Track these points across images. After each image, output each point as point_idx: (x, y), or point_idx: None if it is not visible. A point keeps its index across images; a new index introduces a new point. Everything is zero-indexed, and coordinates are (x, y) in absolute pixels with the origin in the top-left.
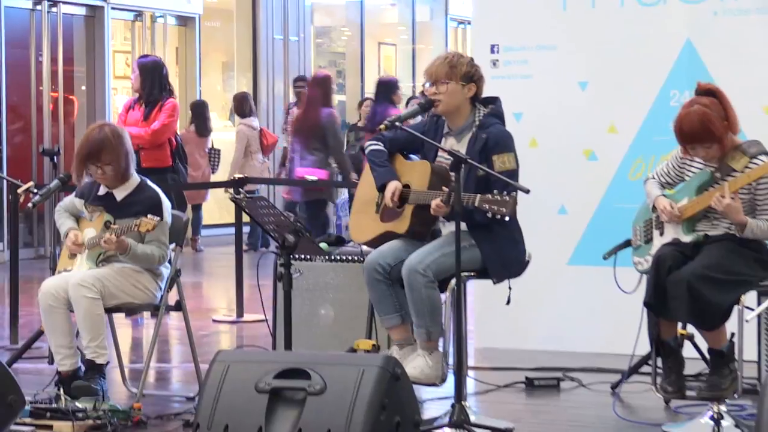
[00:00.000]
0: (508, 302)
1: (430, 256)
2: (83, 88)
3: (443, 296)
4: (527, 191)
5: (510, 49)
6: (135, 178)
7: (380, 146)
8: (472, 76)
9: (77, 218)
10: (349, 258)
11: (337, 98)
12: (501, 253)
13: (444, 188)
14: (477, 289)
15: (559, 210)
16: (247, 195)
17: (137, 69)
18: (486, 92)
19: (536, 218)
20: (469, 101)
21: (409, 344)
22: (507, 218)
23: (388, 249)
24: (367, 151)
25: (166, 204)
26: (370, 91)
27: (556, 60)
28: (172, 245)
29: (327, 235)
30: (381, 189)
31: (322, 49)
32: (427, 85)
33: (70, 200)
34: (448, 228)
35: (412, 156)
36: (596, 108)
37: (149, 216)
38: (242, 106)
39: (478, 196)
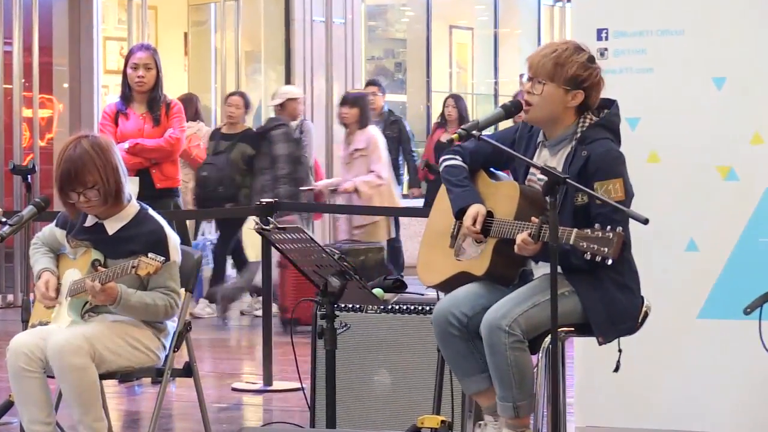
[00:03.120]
0: (617, 369)
1: (517, 307)
2: (65, 85)
3: (534, 359)
4: (645, 221)
5: (623, 35)
6: (132, 206)
7: (458, 160)
8: (582, 81)
9: (58, 255)
10: (412, 308)
11: (394, 98)
12: (608, 303)
13: (533, 219)
14: (578, 350)
15: (688, 246)
16: (279, 226)
17: (148, 59)
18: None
19: (657, 257)
20: (574, 109)
21: None
22: (609, 261)
23: (463, 295)
24: (441, 168)
25: (174, 239)
26: (439, 88)
27: (684, 49)
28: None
29: (382, 278)
30: (458, 215)
31: (376, 34)
32: (525, 78)
33: (50, 231)
34: (541, 269)
35: (499, 174)
36: (736, 112)
37: (150, 255)
38: (187, 110)
39: (575, 231)
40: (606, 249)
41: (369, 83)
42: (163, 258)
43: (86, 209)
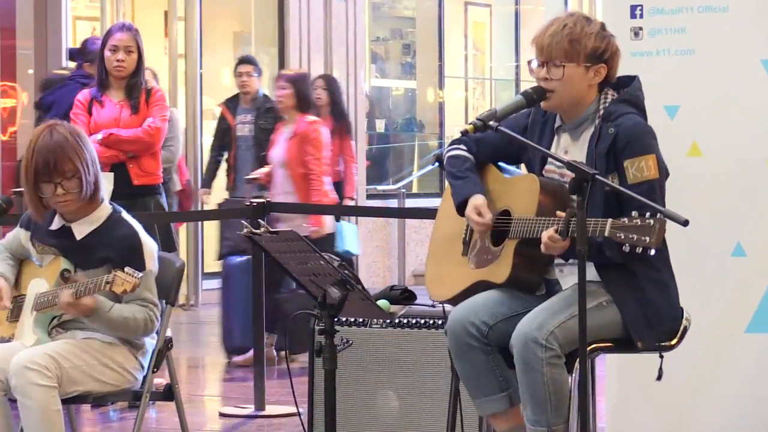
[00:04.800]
0: (660, 377)
1: (553, 318)
2: (30, 72)
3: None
4: (685, 222)
5: (660, 12)
6: (104, 207)
7: (462, 151)
8: (602, 53)
9: (22, 261)
10: (422, 321)
11: (402, 84)
12: (645, 304)
13: (559, 213)
14: (610, 368)
15: (734, 251)
16: (271, 230)
17: (129, 41)
18: (625, 72)
19: (699, 263)
20: (597, 87)
21: None
22: (652, 251)
23: (482, 302)
24: (445, 160)
25: (150, 246)
26: (453, 73)
27: (729, 28)
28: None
29: (388, 288)
30: (461, 209)
31: (382, 12)
32: (535, 63)
33: (14, 236)
34: (570, 278)
35: (511, 169)
36: None
37: (127, 270)
38: None
39: (609, 221)
40: (648, 238)
41: (242, 61)
42: (141, 274)
43: (61, 205)
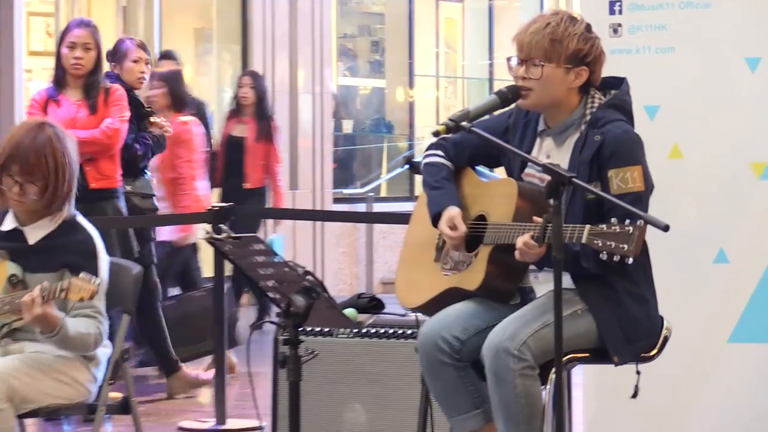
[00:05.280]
0: (636, 394)
1: (526, 327)
2: None
3: (544, 390)
4: (665, 228)
5: (639, 8)
6: (66, 212)
7: (439, 157)
8: (584, 56)
9: None
10: (391, 331)
11: (370, 83)
12: (623, 318)
13: (536, 219)
14: (587, 379)
15: (717, 257)
16: (233, 235)
17: (88, 37)
18: (605, 72)
19: (680, 271)
20: (578, 90)
21: None
22: (629, 259)
23: (454, 316)
24: (422, 166)
25: (104, 253)
26: (424, 71)
27: (712, 25)
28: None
29: (356, 296)
30: (435, 221)
31: (349, 8)
32: (514, 61)
33: None
34: (544, 286)
35: (489, 173)
36: None
37: (83, 276)
38: None
39: (587, 227)
40: (625, 246)
41: (163, 56)
42: (98, 280)
43: (14, 204)
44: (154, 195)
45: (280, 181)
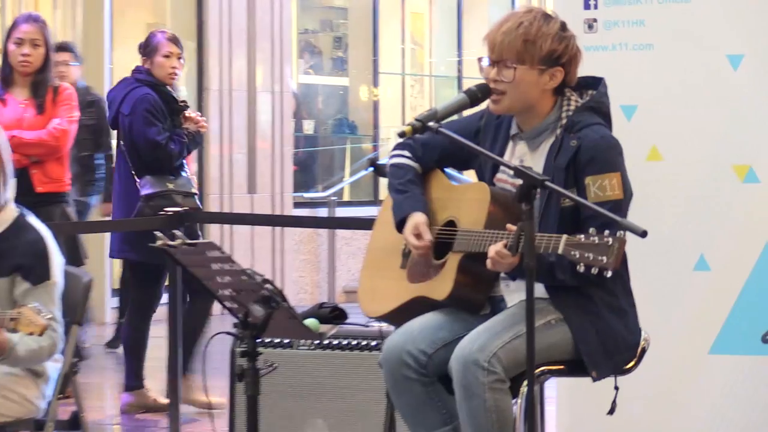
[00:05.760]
0: (612, 410)
1: (496, 339)
2: None
3: (515, 404)
4: (643, 233)
5: (616, 3)
6: (10, 210)
7: (406, 158)
8: (559, 56)
9: None
10: (355, 343)
11: (333, 81)
12: (602, 330)
13: (510, 227)
14: (561, 392)
15: (697, 265)
16: (188, 241)
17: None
18: (581, 71)
19: (659, 278)
20: (552, 92)
21: None
22: (608, 273)
23: (419, 328)
24: (388, 168)
25: (57, 254)
26: (389, 68)
27: (692, 20)
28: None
29: (317, 306)
30: (400, 227)
31: (311, 2)
32: (485, 61)
33: None
34: (516, 294)
35: (459, 176)
36: (757, 97)
37: (34, 308)
38: None
39: (564, 237)
40: (605, 258)
41: (59, 47)
42: (50, 314)
43: None
44: (196, 193)
45: None
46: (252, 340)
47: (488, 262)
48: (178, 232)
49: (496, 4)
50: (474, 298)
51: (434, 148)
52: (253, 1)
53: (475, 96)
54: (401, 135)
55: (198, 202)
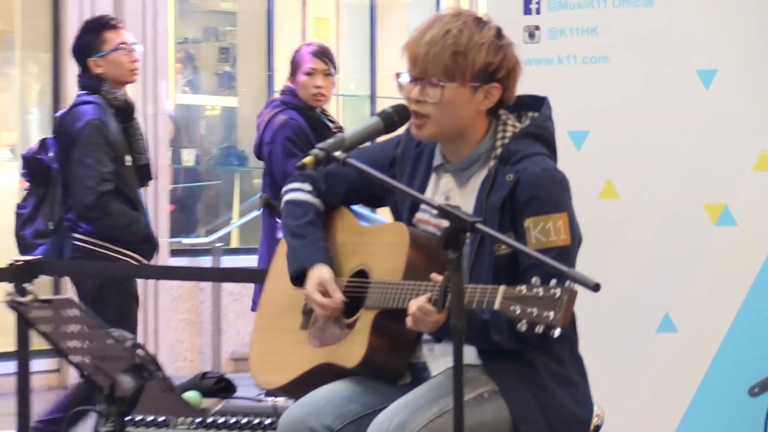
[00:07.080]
0: None
1: (418, 415)
2: None
3: None
4: (595, 287)
5: (562, 6)
6: None
7: (306, 192)
8: (495, 70)
9: None
10: (245, 421)
11: (219, 101)
12: (546, 405)
13: (434, 277)
14: None
15: (661, 325)
16: (41, 298)
17: None
18: (519, 89)
19: (616, 342)
20: (485, 113)
21: None
22: (557, 331)
23: (325, 399)
24: (282, 204)
25: None
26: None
27: (655, 28)
28: None
29: (199, 376)
30: (297, 280)
31: (191, 5)
32: (405, 77)
33: None
34: (442, 360)
35: (370, 215)
36: (732, 121)
37: None
38: None
39: (502, 289)
40: (551, 313)
41: None
42: None
43: None
44: None
45: None
46: (120, 418)
47: (408, 320)
48: (30, 286)
49: (417, 7)
50: (391, 363)
51: (340, 181)
52: (120, 6)
53: (391, 120)
54: (301, 168)
55: None
